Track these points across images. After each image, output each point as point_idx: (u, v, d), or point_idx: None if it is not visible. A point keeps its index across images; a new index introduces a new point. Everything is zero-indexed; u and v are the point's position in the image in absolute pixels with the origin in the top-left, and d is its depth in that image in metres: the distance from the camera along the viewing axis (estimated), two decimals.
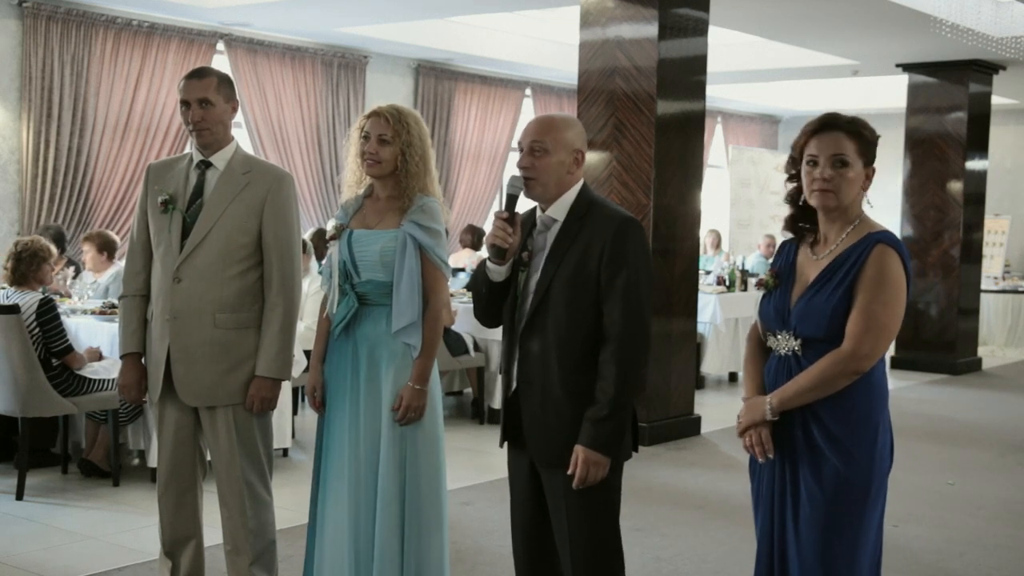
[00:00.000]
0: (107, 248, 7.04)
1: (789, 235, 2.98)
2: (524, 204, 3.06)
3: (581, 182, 3.03)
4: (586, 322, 2.90)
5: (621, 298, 2.86)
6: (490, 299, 3.09)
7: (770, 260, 12.92)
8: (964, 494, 6.10)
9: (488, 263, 3.04)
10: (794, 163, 2.87)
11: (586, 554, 2.95)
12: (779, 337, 2.83)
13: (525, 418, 3.01)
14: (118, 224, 9.25)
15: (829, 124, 2.78)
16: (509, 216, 2.97)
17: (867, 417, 2.75)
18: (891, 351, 11.79)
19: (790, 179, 2.91)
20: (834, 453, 2.72)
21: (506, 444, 3.17)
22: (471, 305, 8.30)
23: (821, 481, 2.73)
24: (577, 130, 3.03)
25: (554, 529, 3.02)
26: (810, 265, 2.84)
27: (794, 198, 2.90)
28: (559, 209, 2.99)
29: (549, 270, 2.95)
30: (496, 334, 7.49)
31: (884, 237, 2.75)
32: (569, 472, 2.88)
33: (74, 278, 7.21)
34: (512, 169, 3.08)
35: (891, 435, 2.84)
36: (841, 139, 2.76)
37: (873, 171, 2.81)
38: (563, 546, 2.98)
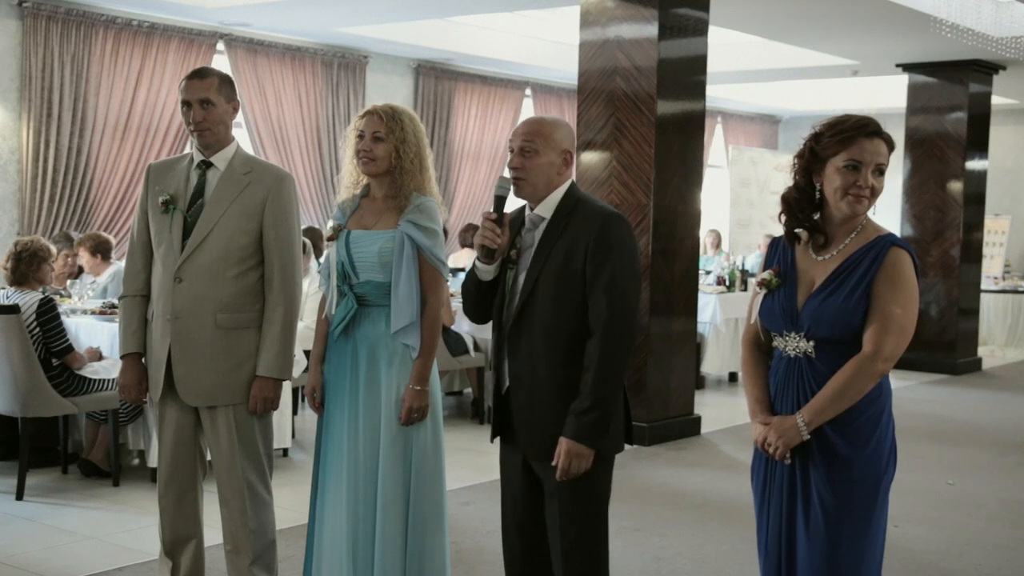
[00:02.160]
0: (100, 250, 7.06)
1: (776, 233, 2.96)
2: (514, 203, 3.09)
3: (569, 181, 3.09)
4: (573, 317, 2.95)
5: (605, 292, 2.90)
6: (479, 297, 3.15)
7: None
8: (964, 494, 6.10)
9: (476, 262, 3.10)
10: (814, 158, 2.78)
11: (576, 546, 2.99)
12: (787, 338, 2.81)
13: (515, 413, 3.06)
14: (118, 224, 9.25)
15: (876, 131, 2.75)
16: (497, 217, 3.03)
17: (876, 420, 2.75)
18: None
19: (800, 174, 2.82)
20: (845, 457, 2.72)
21: (498, 441, 3.21)
22: None
23: (832, 485, 2.72)
24: (566, 131, 3.08)
25: (547, 523, 3.06)
26: (814, 265, 2.81)
27: (808, 195, 2.81)
28: (547, 207, 3.05)
29: (536, 267, 3.00)
30: None
31: (896, 240, 2.75)
32: (553, 464, 2.93)
33: (75, 278, 7.21)
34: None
35: (894, 442, 2.83)
36: (883, 148, 2.75)
37: None
38: (554, 539, 3.03)
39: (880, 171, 2.76)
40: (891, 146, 2.78)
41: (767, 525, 2.88)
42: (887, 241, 2.74)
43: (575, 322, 2.94)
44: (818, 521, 2.74)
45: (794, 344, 2.79)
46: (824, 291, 2.76)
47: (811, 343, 2.76)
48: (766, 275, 2.86)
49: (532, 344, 2.99)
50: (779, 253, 2.90)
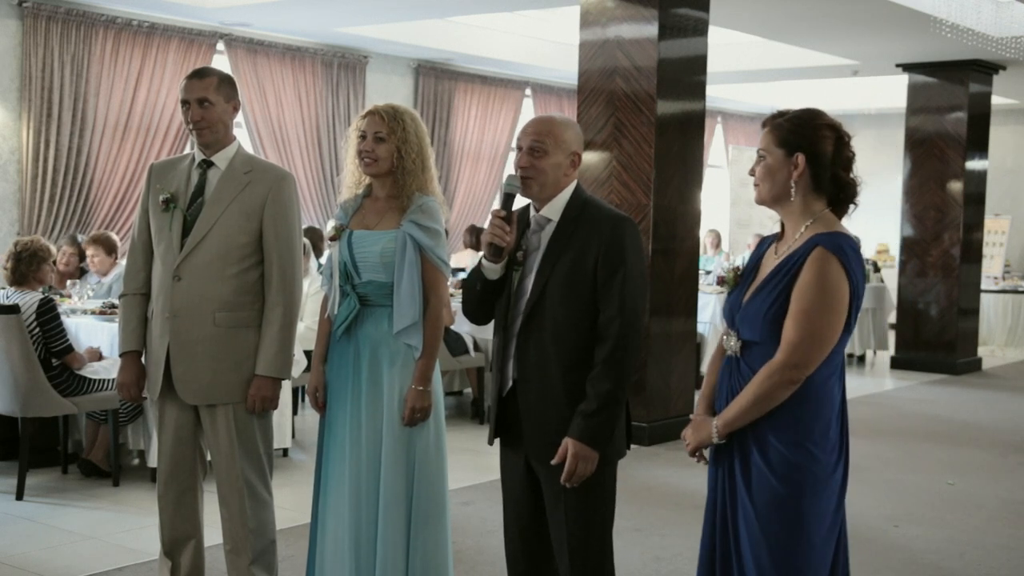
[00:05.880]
0: (115, 249, 7.10)
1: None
2: (519, 203, 3.09)
3: (575, 183, 3.07)
4: (583, 319, 2.94)
5: (617, 297, 2.90)
6: (482, 297, 3.12)
7: None
8: (964, 494, 6.10)
9: (483, 261, 3.07)
10: None
11: (583, 549, 2.98)
12: (729, 336, 2.78)
13: (523, 414, 3.04)
14: (118, 224, 9.25)
15: (765, 123, 2.75)
16: (506, 214, 3.00)
17: (800, 427, 2.62)
18: (891, 351, 11.80)
19: None
20: (765, 466, 2.63)
21: (497, 443, 3.20)
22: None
23: (751, 494, 2.65)
24: (575, 132, 3.06)
25: (550, 526, 3.04)
26: (769, 263, 2.75)
27: None
28: (553, 209, 3.03)
29: (545, 269, 2.98)
30: None
31: (826, 240, 2.60)
32: (553, 462, 2.92)
33: (78, 278, 7.21)
34: (512, 169, 3.09)
35: (840, 445, 2.69)
36: (762, 136, 2.75)
37: (803, 157, 2.64)
38: (560, 542, 3.01)
39: (760, 156, 2.73)
40: (772, 128, 2.70)
41: (704, 528, 2.84)
42: (814, 242, 2.60)
43: (585, 324, 2.94)
44: (744, 533, 2.67)
45: (730, 342, 2.77)
46: (756, 290, 2.72)
47: (739, 343, 2.73)
48: (726, 273, 2.88)
49: (542, 346, 2.97)
50: (757, 249, 2.89)
